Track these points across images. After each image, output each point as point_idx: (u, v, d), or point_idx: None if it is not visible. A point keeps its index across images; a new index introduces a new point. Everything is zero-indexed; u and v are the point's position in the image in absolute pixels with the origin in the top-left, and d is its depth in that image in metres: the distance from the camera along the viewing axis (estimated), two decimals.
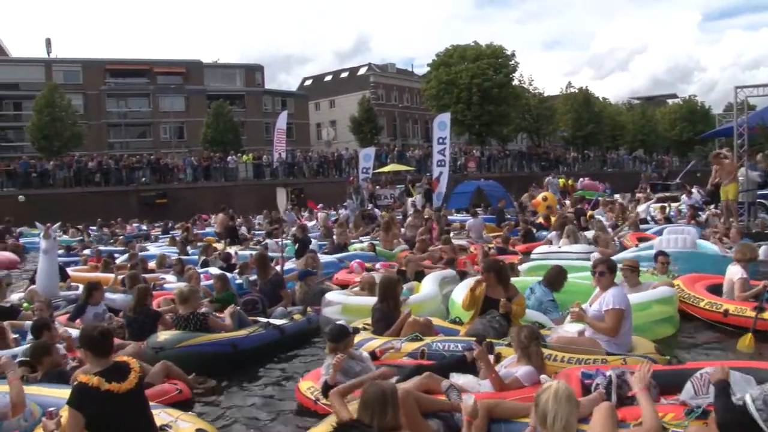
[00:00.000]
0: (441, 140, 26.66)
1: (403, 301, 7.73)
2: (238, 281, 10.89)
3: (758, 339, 6.87)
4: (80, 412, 3.95)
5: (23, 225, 26.75)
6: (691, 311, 8.30)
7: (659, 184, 33.19)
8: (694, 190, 25.05)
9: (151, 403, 4.61)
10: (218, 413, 5.88)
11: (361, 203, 27.94)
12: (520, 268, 10.71)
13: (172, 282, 11.70)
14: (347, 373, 5.39)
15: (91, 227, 25.72)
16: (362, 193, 29.27)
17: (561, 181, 31.13)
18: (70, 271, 13.19)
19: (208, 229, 23.59)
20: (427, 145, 47.97)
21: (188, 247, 16.95)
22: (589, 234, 14.29)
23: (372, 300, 7.89)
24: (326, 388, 5.28)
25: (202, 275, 11.13)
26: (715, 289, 8.60)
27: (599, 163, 55.52)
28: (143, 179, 36.35)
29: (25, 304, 9.41)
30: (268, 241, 16.84)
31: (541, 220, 19.49)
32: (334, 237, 16.20)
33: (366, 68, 72.89)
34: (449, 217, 21.11)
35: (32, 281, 11.48)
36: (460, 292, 8.06)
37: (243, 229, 21.80)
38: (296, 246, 15.27)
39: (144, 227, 27.26)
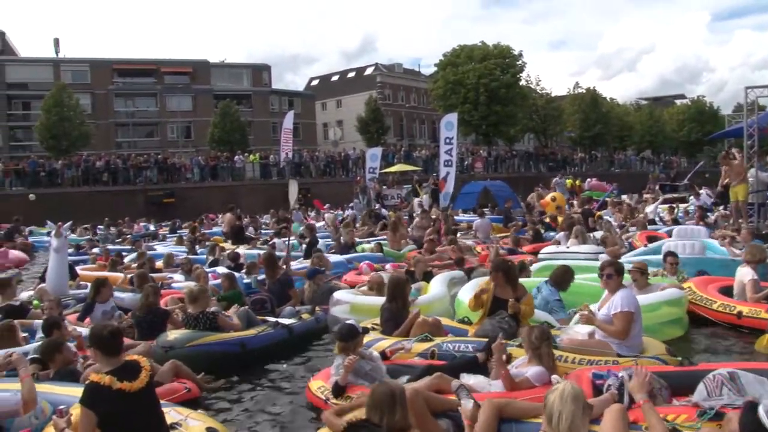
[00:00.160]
0: (448, 140, 26.57)
1: (412, 302, 7.72)
2: (246, 281, 10.90)
3: None
4: (92, 411, 3.96)
5: (32, 224, 26.90)
6: (703, 313, 8.23)
7: (667, 184, 33.03)
8: (702, 191, 24.92)
9: (161, 402, 4.62)
10: (227, 412, 5.89)
11: (367, 203, 27.93)
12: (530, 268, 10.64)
13: (179, 281, 11.73)
14: (357, 373, 5.39)
15: (98, 226, 25.80)
16: (369, 193, 29.26)
17: (569, 181, 31.04)
18: (78, 269, 13.22)
19: (215, 229, 23.61)
20: (434, 145, 47.99)
21: (197, 247, 16.97)
22: (598, 234, 14.24)
23: (380, 300, 7.89)
24: (337, 389, 5.29)
25: (209, 274, 11.16)
26: (727, 292, 8.53)
27: (607, 163, 55.41)
28: (151, 179, 36.46)
29: (35, 302, 9.44)
30: (276, 240, 16.85)
31: (548, 219, 19.43)
32: (341, 237, 16.18)
33: (373, 68, 72.90)
34: (456, 218, 21.07)
35: (42, 280, 11.53)
36: (466, 293, 8.06)
37: (250, 229, 21.81)
38: (302, 245, 15.26)
39: (151, 226, 27.32)
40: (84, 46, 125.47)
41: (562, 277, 7.89)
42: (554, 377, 4.84)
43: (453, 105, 46.11)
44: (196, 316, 7.23)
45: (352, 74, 75.15)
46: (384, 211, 24.14)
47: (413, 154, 43.78)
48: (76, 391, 4.61)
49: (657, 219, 18.46)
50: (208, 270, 11.81)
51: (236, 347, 7.04)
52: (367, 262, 12.32)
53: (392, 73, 72.99)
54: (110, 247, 18.93)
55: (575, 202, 24.55)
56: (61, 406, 4.57)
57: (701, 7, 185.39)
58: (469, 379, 5.00)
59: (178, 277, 12.18)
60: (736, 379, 4.26)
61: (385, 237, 16.42)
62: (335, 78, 77.39)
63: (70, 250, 15.87)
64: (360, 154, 40.55)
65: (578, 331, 6.30)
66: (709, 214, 18.10)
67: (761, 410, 3.56)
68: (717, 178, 17.96)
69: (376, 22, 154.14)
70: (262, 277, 10.45)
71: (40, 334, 7.23)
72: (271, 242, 16.84)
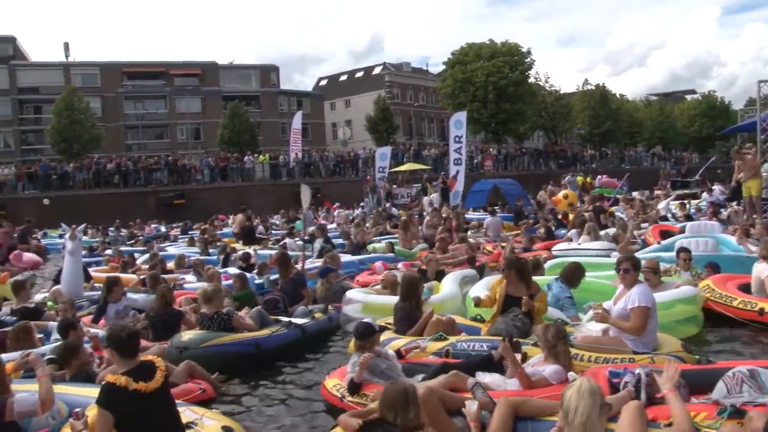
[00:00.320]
0: (457, 139, 26.51)
1: (424, 301, 7.70)
2: (258, 281, 10.91)
3: None
4: (109, 411, 3.97)
5: (45, 227, 27.08)
6: (723, 311, 8.07)
7: (678, 181, 32.85)
8: (715, 186, 24.72)
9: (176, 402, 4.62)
10: (242, 411, 5.90)
11: (377, 202, 27.94)
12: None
13: (191, 282, 11.77)
14: (373, 371, 5.39)
15: (109, 228, 25.94)
16: (379, 192, 29.27)
17: (579, 179, 30.92)
18: (91, 271, 13.29)
19: (225, 230, 23.68)
20: (443, 144, 47.92)
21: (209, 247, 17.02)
22: (610, 231, 14.18)
23: (393, 299, 7.88)
24: (352, 386, 5.29)
25: (221, 275, 11.18)
26: (746, 289, 8.40)
27: (617, 160, 55.08)
28: (161, 180, 36.61)
29: (49, 303, 9.49)
30: (287, 240, 16.88)
31: (560, 216, 19.37)
32: (352, 236, 16.18)
33: (381, 67, 72.91)
34: (466, 216, 21.05)
35: (56, 282, 11.59)
36: (476, 291, 8.03)
37: (260, 229, 21.87)
38: (313, 244, 15.29)
39: (162, 228, 27.43)
40: (94, 50, 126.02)
41: (572, 274, 7.82)
42: (571, 374, 4.81)
43: (462, 103, 46.06)
44: (210, 316, 7.25)
45: (360, 74, 75.17)
46: (394, 210, 24.15)
47: (423, 152, 43.72)
48: (93, 392, 4.63)
49: (669, 215, 18.36)
50: (220, 270, 11.83)
51: (251, 347, 7.05)
52: (381, 261, 12.31)
53: (400, 72, 72.97)
54: (123, 248, 19.01)
55: (585, 199, 24.45)
56: (77, 409, 4.59)
57: (712, 1, 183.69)
58: (484, 377, 4.99)
59: (190, 277, 12.23)
60: (757, 376, 4.21)
61: (396, 236, 16.41)
62: (343, 78, 77.43)
63: (84, 252, 15.95)
64: (369, 154, 40.53)
65: (592, 328, 6.27)
66: (722, 209, 17.98)
67: None
68: (729, 174, 17.81)
69: (384, 22, 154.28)
70: (274, 276, 10.46)
71: (55, 336, 7.26)
72: (282, 242, 16.88)
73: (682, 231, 13.20)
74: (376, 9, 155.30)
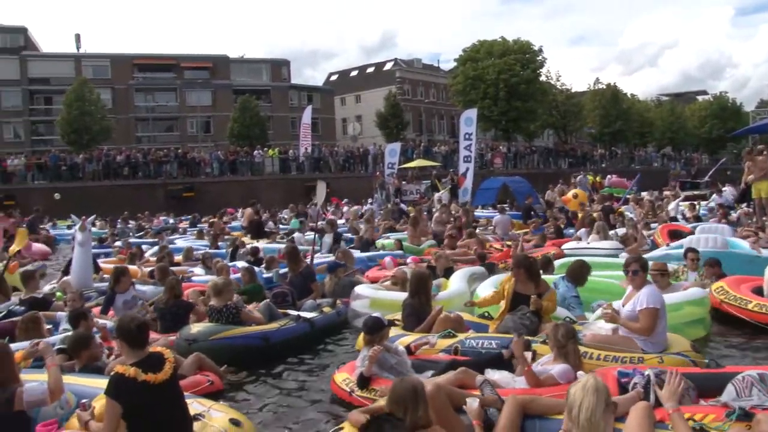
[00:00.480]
0: (467, 136, 26.54)
1: (432, 298, 7.69)
2: (266, 275, 10.92)
3: None
4: (117, 402, 3.98)
5: (54, 217, 27.21)
6: (738, 314, 7.93)
7: (688, 182, 32.65)
8: (726, 188, 24.51)
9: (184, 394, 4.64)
10: (250, 404, 5.91)
11: (386, 198, 27.93)
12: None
13: (200, 275, 11.80)
14: (382, 366, 5.40)
15: (117, 220, 26.02)
16: (388, 188, 29.26)
17: (590, 178, 30.80)
18: (99, 262, 13.33)
19: (234, 223, 23.73)
20: (453, 141, 47.84)
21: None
22: (620, 231, 14.12)
23: (401, 295, 7.87)
24: (362, 380, 5.31)
25: (230, 268, 11.20)
26: (759, 291, 8.28)
27: (627, 160, 54.84)
28: (171, 173, 36.71)
29: (58, 294, 9.53)
30: (297, 234, 16.89)
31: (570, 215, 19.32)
32: (362, 233, 16.17)
33: (392, 63, 72.77)
34: (475, 213, 21.01)
35: (65, 273, 11.64)
36: (485, 289, 8.03)
37: (270, 224, 21.90)
38: (323, 239, 15.29)
39: (171, 220, 27.50)
40: (105, 42, 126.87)
41: (578, 272, 7.75)
42: (580, 373, 4.80)
43: (472, 100, 45.97)
44: (219, 309, 7.27)
45: (371, 69, 75.11)
46: (403, 206, 24.14)
47: (432, 149, 43.63)
48: (101, 382, 4.64)
49: (679, 216, 18.27)
50: (228, 264, 11.85)
51: (259, 341, 7.06)
52: (390, 256, 12.30)
53: (411, 69, 72.85)
54: (133, 240, 19.08)
55: (595, 198, 24.36)
56: (84, 400, 4.62)
57: (725, 2, 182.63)
58: (493, 375, 4.98)
59: (198, 270, 12.26)
60: (766, 380, 4.19)
61: (404, 233, 16.39)
62: (354, 73, 77.35)
63: (93, 243, 16.02)
64: (379, 150, 40.51)
65: (601, 327, 6.25)
66: (732, 212, 17.86)
67: None
68: (740, 176, 17.63)
69: (396, 18, 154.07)
70: (283, 270, 10.47)
71: (63, 326, 7.29)
72: (290, 237, 16.89)
73: (692, 233, 13.13)
74: (389, 5, 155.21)
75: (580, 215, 17.40)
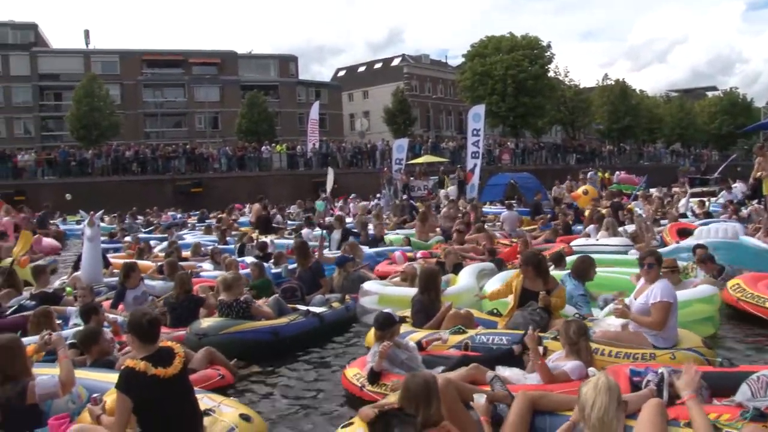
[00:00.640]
0: (475, 132, 26.45)
1: (441, 293, 7.67)
2: (274, 271, 10.93)
3: None
4: (128, 396, 4.00)
5: (64, 213, 27.30)
6: (756, 312, 7.80)
7: (697, 178, 32.46)
8: (737, 184, 24.30)
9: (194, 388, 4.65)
10: (260, 399, 5.92)
11: (394, 194, 27.89)
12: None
13: (209, 270, 11.83)
14: (393, 361, 5.41)
15: (125, 216, 26.08)
16: (395, 184, 29.21)
17: (600, 174, 30.68)
18: (109, 257, 13.36)
19: (242, 219, 23.75)
20: (460, 137, 47.77)
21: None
22: (629, 228, 14.05)
23: (410, 291, 7.85)
24: (372, 375, 5.31)
25: (239, 263, 11.21)
26: None
27: (635, 156, 54.62)
28: (179, 168, 36.81)
29: (68, 289, 9.57)
30: (305, 230, 16.89)
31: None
32: (371, 229, 16.14)
33: (400, 59, 72.67)
34: (483, 209, 20.95)
35: (75, 267, 11.68)
36: (491, 285, 8.02)
37: (278, 218, 21.92)
38: (331, 235, 15.28)
39: (179, 216, 27.56)
40: (114, 38, 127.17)
41: (582, 268, 7.68)
42: (591, 369, 4.78)
43: (480, 96, 45.85)
44: (229, 303, 7.28)
45: (378, 65, 75.02)
46: (412, 202, 24.09)
47: (440, 145, 43.53)
48: (112, 377, 4.66)
49: (689, 213, 18.17)
50: (237, 259, 11.87)
51: (269, 335, 7.07)
52: (400, 251, 12.28)
53: (419, 64, 72.72)
54: (142, 235, 19.12)
55: (603, 195, 24.26)
56: (95, 394, 4.63)
57: None
58: (504, 371, 4.97)
59: (207, 265, 12.29)
60: None
61: (411, 229, 16.36)
62: (362, 69, 77.28)
63: (103, 238, 16.07)
64: (387, 146, 40.45)
65: (611, 323, 6.23)
66: (742, 208, 17.71)
67: None
68: (750, 172, 17.47)
69: (403, 13, 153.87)
70: (292, 265, 10.47)
71: (73, 321, 7.33)
72: (299, 232, 16.89)
73: None
74: (396, 0, 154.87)
75: (587, 212, 17.33)
